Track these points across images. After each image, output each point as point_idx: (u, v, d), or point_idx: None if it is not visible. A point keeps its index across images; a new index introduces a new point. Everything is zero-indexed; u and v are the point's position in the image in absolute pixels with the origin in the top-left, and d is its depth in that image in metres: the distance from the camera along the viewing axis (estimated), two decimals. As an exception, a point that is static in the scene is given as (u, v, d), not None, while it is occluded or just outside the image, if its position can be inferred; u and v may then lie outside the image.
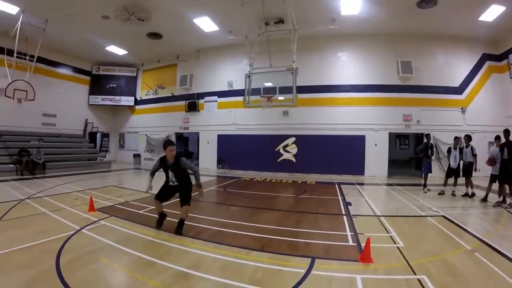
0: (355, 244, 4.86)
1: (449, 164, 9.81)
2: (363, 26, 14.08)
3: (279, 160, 16.28)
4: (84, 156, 18.89)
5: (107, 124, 23.40)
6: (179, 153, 5.33)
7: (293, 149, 16.06)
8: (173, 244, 4.71)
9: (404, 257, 4.26)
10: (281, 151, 16.28)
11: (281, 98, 13.44)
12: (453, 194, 9.52)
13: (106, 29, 15.76)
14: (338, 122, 15.34)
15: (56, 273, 3.51)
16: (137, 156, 21.76)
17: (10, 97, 14.16)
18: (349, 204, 8.08)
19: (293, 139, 16.11)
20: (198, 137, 19.57)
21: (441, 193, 9.77)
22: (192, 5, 13.05)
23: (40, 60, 17.25)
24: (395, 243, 4.91)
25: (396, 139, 20.74)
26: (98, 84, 22.21)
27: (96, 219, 6.10)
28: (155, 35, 16.61)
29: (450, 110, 14.80)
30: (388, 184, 12.47)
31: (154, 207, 5.64)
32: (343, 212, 7.13)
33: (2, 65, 14.60)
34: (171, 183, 5.32)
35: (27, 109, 16.98)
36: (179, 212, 5.41)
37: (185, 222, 5.31)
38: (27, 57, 15.20)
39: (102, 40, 17.73)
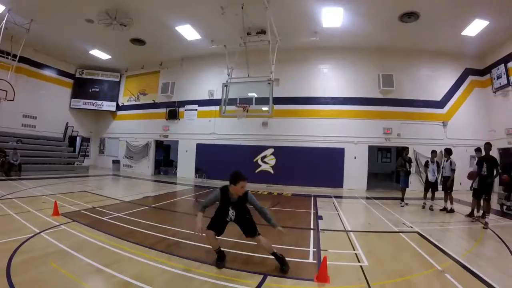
0: (315, 261, 4.41)
1: (427, 177, 9.57)
2: (345, 39, 13.92)
3: (257, 171, 15.79)
4: (62, 160, 18.22)
5: (88, 128, 22.74)
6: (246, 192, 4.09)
7: (272, 160, 15.63)
8: (124, 253, 4.49)
9: (365, 277, 3.80)
10: (259, 162, 15.84)
11: (264, 108, 13.17)
12: (431, 209, 9.19)
13: (90, 33, 15.37)
14: (317, 134, 14.99)
15: (5, 273, 3.48)
16: (116, 162, 21.13)
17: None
18: (320, 218, 7.64)
19: (271, 150, 15.70)
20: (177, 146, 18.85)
21: (424, 207, 9.48)
22: (173, 12, 12.76)
23: (24, 60, 16.99)
24: (359, 262, 4.44)
25: (378, 152, 20.46)
26: (81, 87, 21.58)
27: (58, 224, 5.96)
28: (139, 41, 16.29)
29: (431, 124, 14.62)
30: (366, 198, 12.06)
31: (207, 242, 4.41)
32: (312, 227, 6.67)
33: None
34: (228, 219, 4.19)
35: (7, 109, 16.25)
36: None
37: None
38: (10, 57, 14.76)
39: (86, 43, 17.28)
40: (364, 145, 14.65)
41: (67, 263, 4.00)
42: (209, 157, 17.10)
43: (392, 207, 9.77)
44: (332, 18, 12.25)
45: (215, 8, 11.30)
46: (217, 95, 16.70)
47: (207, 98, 17.65)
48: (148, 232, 5.67)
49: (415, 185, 12.91)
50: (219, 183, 14.87)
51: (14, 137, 16.82)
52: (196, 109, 18.07)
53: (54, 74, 20.11)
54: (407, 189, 10.43)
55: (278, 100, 14.88)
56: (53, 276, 3.60)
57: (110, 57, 19.26)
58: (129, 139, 20.95)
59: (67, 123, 20.93)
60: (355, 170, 14.54)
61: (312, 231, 6.15)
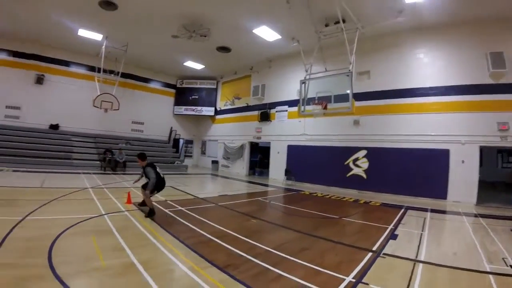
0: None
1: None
2: (437, 15, 11.70)
3: (348, 175, 14.67)
4: (164, 159, 20.90)
5: (190, 132, 26.00)
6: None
7: (364, 164, 14.20)
8: (154, 240, 5.10)
9: None
10: (351, 165, 14.64)
11: (343, 105, 12.16)
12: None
13: (179, 47, 17.43)
14: (415, 132, 12.88)
15: (55, 237, 4.80)
16: (215, 162, 23.32)
17: (98, 107, 16.65)
18: (394, 237, 6.32)
19: (364, 152, 14.29)
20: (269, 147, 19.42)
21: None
22: (244, 16, 13.23)
23: (129, 76, 21.30)
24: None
25: (498, 155, 16.56)
26: (182, 95, 24.93)
27: (124, 210, 7.24)
28: (224, 49, 17.52)
29: None
30: (473, 215, 9.44)
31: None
32: (374, 248, 5.49)
33: (93, 80, 17.53)
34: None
35: (119, 118, 20.26)
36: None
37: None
38: (113, 74, 18.05)
39: (179, 56, 19.84)
40: (474, 145, 11.75)
41: (103, 239, 4.99)
42: (299, 159, 17.00)
43: (501, 231, 7.30)
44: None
45: (281, 3, 11.23)
46: (309, 94, 16.23)
47: (297, 98, 17.26)
48: (190, 226, 6.20)
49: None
50: (308, 187, 14.77)
51: (124, 139, 20.61)
52: (287, 110, 18.06)
53: (158, 86, 24.14)
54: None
55: (370, 95, 14.06)
56: (83, 245, 4.70)
57: (203, 66, 21.61)
58: (226, 141, 22.74)
59: (171, 127, 24.39)
60: (463, 177, 11.70)
61: (369, 254, 5.09)
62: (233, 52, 17.93)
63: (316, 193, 13.21)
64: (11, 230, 5.02)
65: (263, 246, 5.10)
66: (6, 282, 3.29)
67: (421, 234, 6.71)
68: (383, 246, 5.59)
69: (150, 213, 6.64)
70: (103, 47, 16.25)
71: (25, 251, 4.24)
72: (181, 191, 11.28)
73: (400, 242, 5.93)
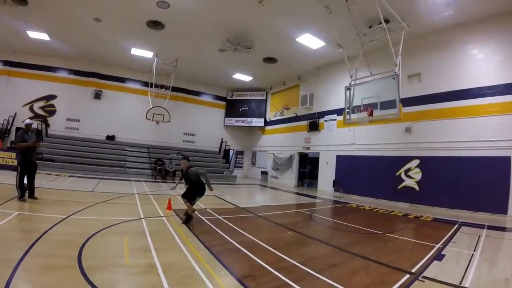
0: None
1: None
2: (489, 2, 10.51)
3: (399, 187, 13.71)
4: (215, 170, 21.65)
5: (241, 143, 26.62)
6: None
7: (417, 175, 13.14)
8: (182, 246, 5.23)
9: None
10: (403, 176, 13.67)
11: (389, 112, 11.28)
12: None
13: (227, 60, 18.17)
14: (471, 138, 11.55)
15: (89, 235, 5.24)
16: (264, 173, 23.44)
17: (150, 120, 17.86)
18: (439, 258, 5.59)
19: (416, 161, 13.25)
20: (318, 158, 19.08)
21: None
22: (285, 25, 13.29)
23: (181, 90, 23.01)
24: None
25: None
26: (232, 107, 25.73)
27: (162, 215, 7.60)
28: (270, 59, 17.83)
29: None
30: None
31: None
32: (413, 269, 4.81)
33: (146, 95, 19.10)
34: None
35: (171, 129, 21.82)
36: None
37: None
38: (163, 89, 19.34)
39: (227, 69, 20.60)
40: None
41: (134, 240, 5.33)
42: (348, 170, 16.39)
43: None
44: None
45: (320, 9, 11.18)
46: (356, 102, 15.67)
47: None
48: (222, 233, 6.23)
49: None
50: (356, 199, 14.23)
51: (175, 150, 21.71)
52: (335, 119, 17.66)
53: (209, 99, 25.33)
54: None
55: (422, 99, 13.22)
56: (114, 243, 5.06)
57: (251, 78, 22.22)
58: (275, 151, 22.81)
59: (222, 138, 25.19)
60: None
61: (406, 276, 4.47)
62: (279, 62, 18.14)
63: (363, 206, 12.55)
64: (53, 226, 5.59)
65: (290, 260, 4.88)
66: (36, 268, 3.69)
67: (472, 255, 5.87)
68: (424, 267, 4.92)
69: (188, 219, 6.82)
70: (154, 63, 17.67)
71: (60, 244, 4.67)
72: (224, 200, 11.50)
73: (445, 264, 5.23)
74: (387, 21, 10.94)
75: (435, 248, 6.21)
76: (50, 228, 5.40)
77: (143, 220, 6.91)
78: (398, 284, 4.12)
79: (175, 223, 6.87)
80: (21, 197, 7.50)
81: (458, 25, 12.03)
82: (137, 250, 4.78)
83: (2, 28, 15.64)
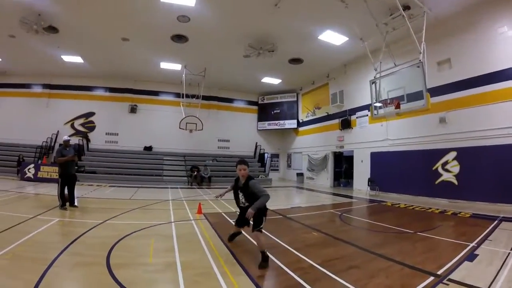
0: None
1: None
2: None
3: (437, 182, 13.10)
4: (250, 174, 21.22)
5: (275, 146, 26.96)
6: None
7: (455, 168, 12.48)
8: (205, 246, 5.55)
9: None
10: (440, 170, 13.04)
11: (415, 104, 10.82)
12: None
13: (253, 65, 18.56)
14: (507, 125, 10.84)
15: (121, 236, 5.83)
16: (300, 175, 23.53)
17: (183, 129, 18.71)
18: (471, 258, 5.17)
19: (453, 154, 12.59)
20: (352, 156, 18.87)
21: None
22: (306, 24, 13.43)
23: (213, 98, 24.23)
24: None
25: None
26: (264, 111, 26.26)
27: (191, 219, 7.99)
28: (296, 60, 18.03)
29: None
30: None
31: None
32: (440, 271, 4.45)
33: (179, 105, 20.19)
34: (241, 204, 5.27)
35: (205, 137, 22.70)
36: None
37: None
38: (194, 98, 20.05)
39: (255, 74, 21.17)
40: None
41: (161, 242, 5.70)
42: (383, 167, 16.04)
43: None
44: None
45: (336, 4, 11.21)
46: (386, 95, 15.44)
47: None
48: (245, 235, 6.18)
49: None
50: (393, 197, 13.97)
51: (211, 156, 22.70)
52: (367, 115, 17.31)
53: (241, 104, 26.11)
54: None
55: (454, 86, 12.61)
56: (142, 245, 5.46)
57: (280, 81, 22.59)
58: (310, 152, 22.87)
59: (256, 142, 25.64)
60: None
61: (430, 278, 4.16)
62: (305, 62, 18.26)
63: (399, 204, 12.15)
64: (89, 230, 6.19)
65: (308, 260, 4.82)
66: (71, 264, 4.21)
67: (509, 254, 5.40)
68: (452, 269, 4.55)
69: (264, 259, 4.54)
70: (183, 75, 18.64)
71: (93, 245, 5.21)
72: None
73: (476, 265, 4.79)
74: (407, 8, 10.72)
75: (468, 248, 5.80)
76: (85, 232, 5.99)
77: (172, 223, 7.35)
78: (419, 288, 3.83)
79: (203, 226, 7.21)
80: (62, 206, 8.33)
81: (483, 3, 11.46)
82: (161, 251, 5.15)
83: (38, 55, 17.71)
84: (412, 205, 11.69)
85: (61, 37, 14.89)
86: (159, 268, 4.32)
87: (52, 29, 13.90)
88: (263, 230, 4.78)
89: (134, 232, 6.22)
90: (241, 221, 5.30)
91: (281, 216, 9.05)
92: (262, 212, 4.77)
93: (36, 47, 16.30)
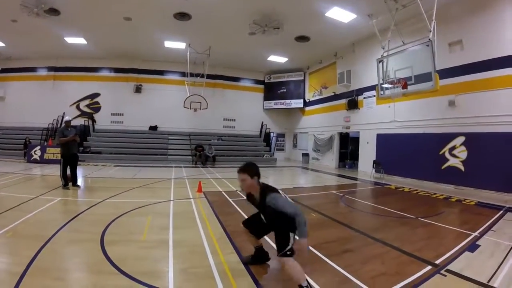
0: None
1: None
2: None
3: (443, 167, 12.85)
4: (255, 153, 22.51)
5: (281, 125, 26.91)
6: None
7: (462, 153, 12.19)
8: (199, 223, 5.77)
9: None
10: (447, 155, 12.77)
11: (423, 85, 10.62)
12: None
13: (259, 43, 18.30)
14: None
15: (121, 213, 6.17)
16: (305, 155, 23.60)
17: (188, 108, 18.90)
18: (473, 248, 4.99)
19: (462, 138, 12.26)
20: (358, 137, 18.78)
21: None
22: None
23: (218, 77, 24.14)
24: None
25: None
26: (271, 90, 26.00)
27: (191, 197, 8.21)
28: (303, 38, 17.65)
29: None
30: None
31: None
32: (438, 261, 4.30)
33: (183, 84, 20.07)
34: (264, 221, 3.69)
35: (211, 116, 22.96)
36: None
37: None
38: (199, 77, 19.90)
39: (261, 52, 20.85)
40: None
41: (157, 219, 5.93)
42: (389, 149, 15.89)
43: None
44: None
45: None
46: (392, 75, 15.18)
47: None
48: (243, 214, 6.21)
49: None
50: (398, 180, 14.00)
51: (216, 135, 22.90)
52: (374, 95, 16.97)
53: (247, 83, 25.89)
54: None
55: (466, 69, 12.12)
56: (138, 222, 5.74)
57: (287, 59, 22.25)
58: (316, 132, 22.81)
59: (262, 122, 25.68)
60: None
61: (427, 268, 4.04)
62: (312, 40, 17.90)
63: (403, 188, 12.09)
64: (89, 208, 6.49)
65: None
66: (67, 241, 4.52)
67: None
68: (451, 259, 4.37)
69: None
70: (188, 54, 18.46)
71: (90, 222, 5.51)
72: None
73: (477, 256, 4.61)
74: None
75: (470, 237, 5.60)
76: (85, 210, 6.29)
77: (171, 202, 7.59)
78: (414, 277, 3.71)
79: (201, 204, 7.41)
80: (64, 186, 8.64)
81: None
82: (156, 228, 5.36)
83: (42, 38, 17.94)
84: (416, 189, 11.59)
85: (63, 18, 14.91)
86: (152, 245, 4.52)
87: (53, 11, 13.95)
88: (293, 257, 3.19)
89: (132, 210, 6.47)
90: (257, 231, 3.84)
91: (281, 196, 9.18)
92: (288, 225, 3.17)
93: (38, 30, 16.39)
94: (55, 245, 4.27)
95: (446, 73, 11.92)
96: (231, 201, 7.99)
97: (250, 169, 3.33)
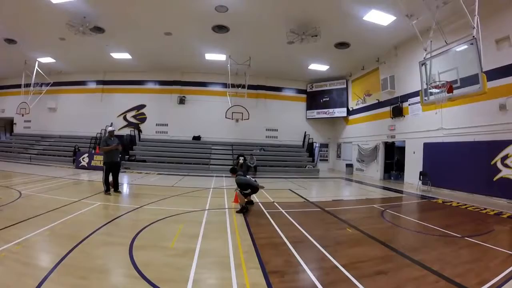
0: None
1: None
2: None
3: (495, 178, 11.67)
4: (298, 164, 22.25)
5: (324, 135, 26.45)
6: None
7: None
8: (229, 235, 5.70)
9: None
10: (499, 165, 11.56)
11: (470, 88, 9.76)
12: None
13: (298, 52, 18.37)
14: None
15: (152, 221, 6.33)
16: (349, 166, 22.85)
17: (230, 118, 19.34)
18: None
19: None
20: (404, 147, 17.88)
21: None
22: (348, 4, 12.87)
23: (260, 87, 24.57)
24: None
25: None
26: (313, 99, 25.71)
27: (227, 208, 8.24)
28: (342, 44, 17.35)
29: None
30: None
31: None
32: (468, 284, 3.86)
33: (225, 95, 20.59)
34: None
35: (253, 126, 23.09)
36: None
37: None
38: (240, 87, 20.29)
39: (302, 61, 20.85)
40: None
41: (189, 228, 6.04)
42: (436, 159, 14.87)
43: None
44: None
45: None
46: (436, 78, 14.35)
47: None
48: (275, 227, 6.29)
49: None
50: (446, 194, 13.21)
51: (258, 146, 23.13)
52: (419, 101, 16.22)
53: (289, 93, 25.95)
54: None
55: None
56: (169, 229, 5.89)
57: (328, 67, 21.98)
58: (360, 142, 22.04)
59: (305, 132, 25.32)
60: None
61: None
62: (353, 46, 17.55)
63: (451, 202, 11.08)
64: (125, 213, 6.84)
65: (333, 260, 4.48)
66: (98, 243, 4.77)
67: None
68: (496, 287, 3.85)
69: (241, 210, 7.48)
70: (228, 65, 18.98)
71: (124, 227, 5.83)
72: (296, 194, 11.71)
73: None
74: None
75: None
76: (122, 215, 6.63)
77: (206, 211, 7.68)
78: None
79: (235, 214, 7.38)
80: (106, 191, 9.21)
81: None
82: (186, 236, 5.44)
83: (89, 54, 19.73)
84: (465, 204, 10.60)
85: (108, 36, 16.32)
86: (178, 253, 4.59)
87: (98, 29, 15.29)
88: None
89: (167, 217, 6.66)
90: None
91: (319, 209, 8.75)
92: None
93: (85, 47, 18.05)
94: (86, 246, 4.53)
95: (495, 73, 11.07)
96: (266, 212, 7.85)
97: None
